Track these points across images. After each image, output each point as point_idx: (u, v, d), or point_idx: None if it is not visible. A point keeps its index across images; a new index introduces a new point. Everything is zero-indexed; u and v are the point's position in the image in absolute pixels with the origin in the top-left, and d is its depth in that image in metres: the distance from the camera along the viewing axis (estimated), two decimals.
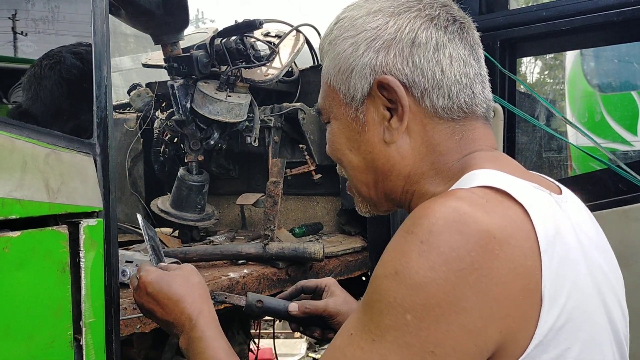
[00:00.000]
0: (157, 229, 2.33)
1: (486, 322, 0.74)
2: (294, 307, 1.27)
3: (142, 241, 2.04)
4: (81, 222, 0.97)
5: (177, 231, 2.32)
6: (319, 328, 1.29)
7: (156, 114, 2.53)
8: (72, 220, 0.96)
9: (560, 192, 0.96)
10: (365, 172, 1.00)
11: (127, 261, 1.59)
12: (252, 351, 2.72)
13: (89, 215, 0.99)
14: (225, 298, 1.32)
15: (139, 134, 2.61)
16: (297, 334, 5.43)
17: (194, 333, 1.04)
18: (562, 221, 0.84)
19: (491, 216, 0.77)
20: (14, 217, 0.87)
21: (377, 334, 0.76)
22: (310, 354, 5.31)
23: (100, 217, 1.01)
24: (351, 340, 0.79)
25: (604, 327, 0.87)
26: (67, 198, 0.94)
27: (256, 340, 2.69)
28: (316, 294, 1.33)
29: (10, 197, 0.87)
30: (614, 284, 0.93)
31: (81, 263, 0.97)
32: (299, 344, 5.23)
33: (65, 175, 0.95)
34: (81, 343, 0.97)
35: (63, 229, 0.94)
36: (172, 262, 1.59)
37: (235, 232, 2.42)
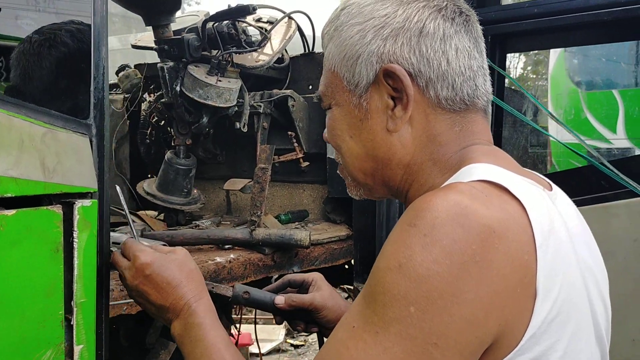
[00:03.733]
0: (142, 212, 2.33)
1: (487, 314, 0.76)
2: (280, 299, 1.28)
3: (125, 223, 2.04)
4: (76, 202, 0.96)
5: (162, 214, 2.31)
6: (303, 322, 1.31)
7: (144, 96, 2.51)
8: (66, 200, 0.96)
9: (551, 188, 0.98)
10: (365, 159, 1.01)
11: (114, 243, 1.58)
12: (232, 336, 2.73)
13: (83, 195, 0.99)
14: (212, 288, 1.32)
15: (126, 116, 2.60)
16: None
17: (193, 319, 1.03)
18: (555, 216, 0.86)
19: (491, 210, 0.79)
20: (9, 195, 0.87)
21: (381, 327, 0.77)
22: (288, 340, 5.34)
23: (95, 198, 1.01)
24: (354, 333, 0.79)
25: (588, 320, 0.89)
26: (63, 178, 0.94)
27: (237, 325, 2.71)
28: (302, 288, 1.34)
29: (6, 175, 0.86)
30: (598, 279, 0.96)
31: (74, 243, 0.96)
32: (278, 330, 5.25)
33: (61, 155, 0.95)
34: (72, 323, 0.97)
35: (58, 209, 0.94)
36: (160, 245, 1.60)
37: (221, 217, 2.43)
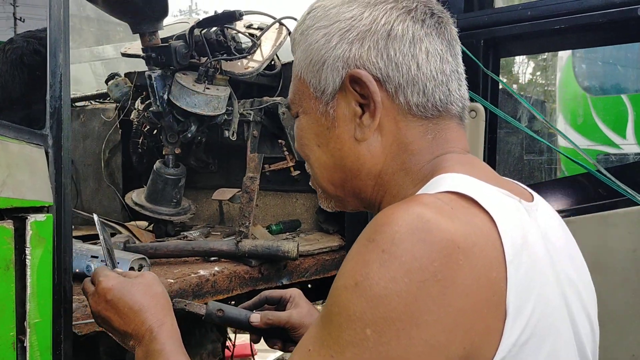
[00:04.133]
0: (132, 222, 2.28)
1: (449, 337, 0.70)
2: (255, 317, 1.23)
3: (113, 234, 2.00)
4: (28, 217, 0.92)
5: (152, 225, 2.26)
6: (280, 340, 1.25)
7: (135, 104, 2.47)
8: (18, 215, 0.91)
9: (532, 199, 0.92)
10: (333, 170, 0.96)
11: (92, 256, 1.54)
12: (228, 348, 2.67)
13: (38, 210, 0.94)
14: (185, 306, 1.28)
15: (117, 125, 2.56)
16: None
17: (154, 345, 0.98)
18: (530, 230, 0.81)
19: (456, 224, 0.73)
20: None
21: (336, 350, 0.71)
22: (291, 348, 5.28)
23: (51, 213, 0.96)
24: (309, 357, 0.75)
25: (569, 340, 0.83)
26: (14, 192, 0.90)
27: (232, 337, 2.65)
28: (280, 305, 1.28)
29: None
30: (583, 296, 0.90)
31: (27, 260, 0.92)
32: None
33: (13, 167, 0.90)
34: (25, 344, 0.92)
35: (8, 224, 0.89)
36: (139, 258, 1.55)
37: (212, 228, 2.38)
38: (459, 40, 0.96)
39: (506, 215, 0.78)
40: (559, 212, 1.73)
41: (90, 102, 2.79)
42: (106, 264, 1.12)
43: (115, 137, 2.60)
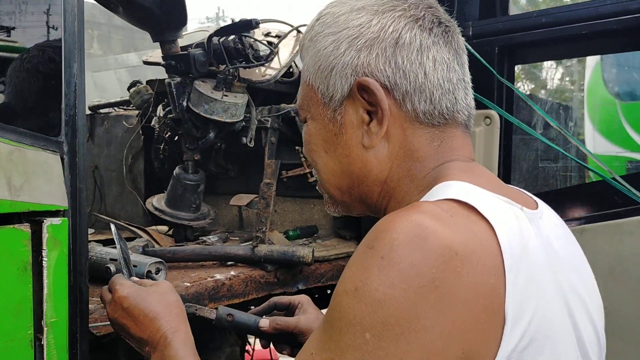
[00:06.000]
0: (152, 227, 2.33)
1: (447, 342, 0.72)
2: (264, 322, 1.26)
3: (133, 238, 2.05)
4: (44, 220, 0.96)
5: (172, 230, 2.31)
6: (289, 345, 1.28)
7: (156, 111, 2.52)
8: (35, 218, 0.96)
9: (536, 207, 0.93)
10: (340, 176, 0.98)
11: (111, 259, 1.58)
12: (247, 352, 2.70)
13: (53, 214, 0.98)
14: (196, 310, 1.31)
15: (140, 131, 2.62)
16: None
17: (168, 351, 1.02)
18: (530, 238, 0.82)
19: (454, 231, 0.75)
20: None
21: (337, 354, 0.74)
22: None
23: (66, 216, 1.00)
24: None
25: (570, 346, 0.84)
26: (30, 196, 0.94)
27: (252, 341, 2.68)
28: (289, 311, 1.31)
29: None
30: (589, 307, 0.90)
31: (43, 262, 0.96)
32: None
33: (29, 173, 0.94)
34: (42, 342, 0.96)
35: (25, 228, 0.94)
36: (156, 262, 1.59)
37: (231, 233, 2.42)
38: (465, 50, 0.98)
39: (506, 223, 0.79)
40: (574, 220, 1.72)
41: (114, 109, 2.85)
42: (123, 273, 1.16)
43: (138, 144, 2.66)
